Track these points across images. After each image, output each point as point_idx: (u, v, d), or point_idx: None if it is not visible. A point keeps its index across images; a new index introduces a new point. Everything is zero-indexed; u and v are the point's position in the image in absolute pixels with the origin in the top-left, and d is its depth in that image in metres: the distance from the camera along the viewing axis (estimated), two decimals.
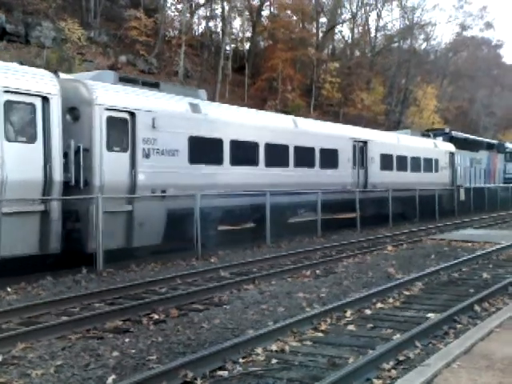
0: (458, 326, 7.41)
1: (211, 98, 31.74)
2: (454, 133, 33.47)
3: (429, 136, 29.97)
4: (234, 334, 7.14)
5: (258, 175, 16.63)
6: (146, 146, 13.08)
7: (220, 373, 5.74)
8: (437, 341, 6.76)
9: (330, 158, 19.97)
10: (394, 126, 48.08)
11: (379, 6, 54.66)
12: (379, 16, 55.89)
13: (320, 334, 7.17)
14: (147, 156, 13.08)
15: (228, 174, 15.47)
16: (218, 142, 15.29)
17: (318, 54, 47.65)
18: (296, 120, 19.68)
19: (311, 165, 19.04)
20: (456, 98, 64.20)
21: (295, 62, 45.22)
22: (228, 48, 44.08)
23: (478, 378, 4.83)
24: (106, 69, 30.77)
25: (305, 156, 18.71)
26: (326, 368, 5.90)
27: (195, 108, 14.83)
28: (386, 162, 23.40)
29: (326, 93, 45.87)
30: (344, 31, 61.90)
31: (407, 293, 9.64)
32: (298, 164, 18.26)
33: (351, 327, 7.49)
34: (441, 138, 30.49)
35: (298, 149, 18.30)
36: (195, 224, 13.73)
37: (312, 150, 19.13)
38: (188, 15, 42.62)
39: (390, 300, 9.08)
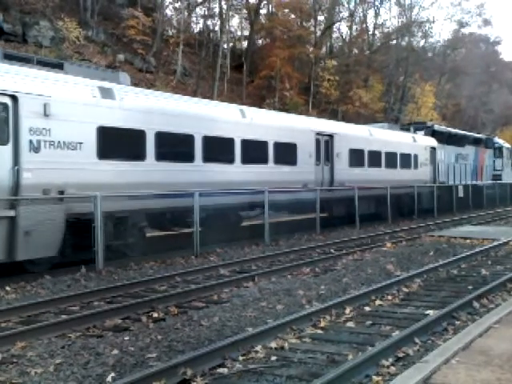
0: (457, 322, 7.43)
1: (209, 97, 31.80)
2: (436, 126, 31.69)
3: (408, 130, 28.46)
4: (233, 332, 7.15)
5: (193, 173, 14.50)
6: (36, 138, 10.94)
7: (219, 370, 5.75)
8: (436, 337, 6.78)
9: (287, 153, 17.93)
10: (393, 123, 48.06)
11: (377, 3, 54.71)
12: (377, 14, 55.98)
13: (319, 331, 7.18)
14: (36, 149, 10.94)
15: (152, 172, 13.37)
16: (139, 134, 13.19)
17: (316, 51, 47.65)
18: (244, 110, 17.17)
19: (263, 161, 17.04)
20: (454, 95, 64.24)
21: (293, 60, 45.22)
22: (226, 46, 44.07)
23: (476, 374, 4.84)
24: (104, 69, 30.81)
25: (255, 151, 16.70)
26: (325, 365, 5.92)
27: (106, 93, 12.60)
28: (357, 157, 21.52)
29: (324, 91, 45.87)
30: (342, 29, 61.95)
31: (406, 289, 9.66)
32: (246, 160, 16.22)
33: (350, 324, 7.51)
34: (422, 133, 28.73)
35: (246, 143, 16.25)
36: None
37: (264, 144, 17.04)
38: (186, 14, 42.58)
39: (389, 297, 9.10)
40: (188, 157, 14.51)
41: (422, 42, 60.48)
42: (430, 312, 7.89)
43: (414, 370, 5.01)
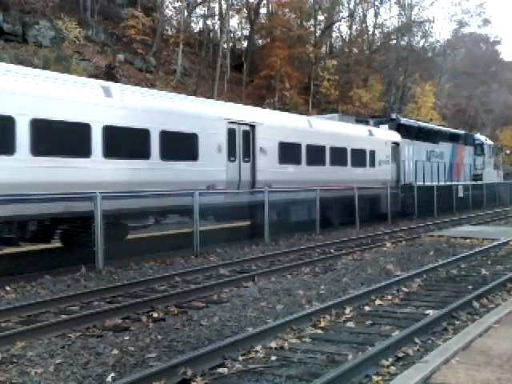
0: (457, 322, 7.43)
1: (209, 96, 31.79)
2: (402, 120, 28.10)
3: (366, 123, 24.96)
4: (233, 332, 7.15)
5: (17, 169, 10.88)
6: None
7: (219, 370, 5.75)
8: (436, 337, 6.78)
9: (181, 145, 14.27)
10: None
11: (377, 3, 54.73)
12: (377, 13, 55.99)
13: (319, 331, 7.18)
14: None
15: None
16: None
17: (315, 51, 47.66)
18: (110, 88, 13.07)
19: (143, 155, 13.28)
20: (454, 94, 64.26)
21: (293, 59, 45.22)
22: (226, 46, 44.07)
23: (476, 374, 4.84)
24: (104, 69, 30.85)
25: (131, 143, 13.07)
26: (325, 365, 5.91)
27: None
28: (290, 153, 17.87)
29: (324, 90, 45.88)
30: (342, 29, 61.97)
31: (406, 289, 9.66)
32: (112, 154, 12.45)
33: (350, 324, 7.51)
34: (386, 126, 25.31)
35: (111, 131, 12.42)
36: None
37: (145, 133, 13.24)
38: (186, 13, 42.58)
39: (389, 297, 9.10)
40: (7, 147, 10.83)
41: (421, 42, 60.55)
42: (430, 312, 7.89)
43: (414, 369, 5.01)
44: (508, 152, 62.61)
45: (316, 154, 19.17)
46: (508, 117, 69.97)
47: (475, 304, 8.32)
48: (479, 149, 35.52)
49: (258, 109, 19.77)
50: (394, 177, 24.15)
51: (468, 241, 16.47)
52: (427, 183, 27.00)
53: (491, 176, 35.89)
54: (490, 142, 37.61)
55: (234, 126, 16.04)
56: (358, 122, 24.44)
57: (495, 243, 15.36)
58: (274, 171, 17.20)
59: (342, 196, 20.09)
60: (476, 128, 64.72)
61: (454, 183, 29.95)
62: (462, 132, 36.58)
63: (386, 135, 24.07)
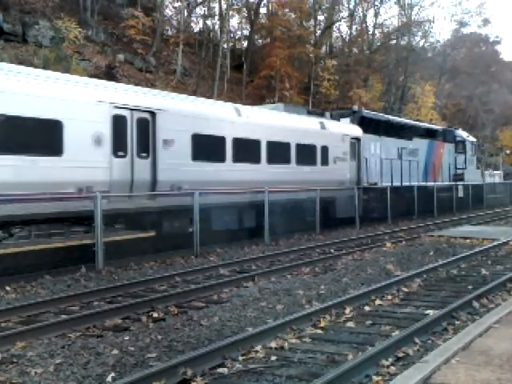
0: (457, 322, 7.43)
1: (209, 96, 31.79)
2: (366, 112, 24.89)
3: (321, 115, 21.65)
4: (233, 332, 7.15)
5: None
6: None
7: (219, 370, 5.75)
8: (436, 337, 6.78)
9: (38, 136, 11.34)
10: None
11: (377, 3, 54.72)
12: (377, 13, 55.97)
13: (319, 331, 7.18)
14: None
15: None
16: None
17: (315, 51, 47.66)
18: None
19: None
20: (454, 94, 64.26)
21: (293, 59, 45.21)
22: (226, 46, 44.08)
23: (476, 374, 4.84)
24: (104, 69, 30.87)
25: None
26: (325, 365, 5.91)
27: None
28: (209, 148, 14.96)
29: (324, 90, 45.88)
30: (342, 29, 61.97)
31: (406, 289, 9.66)
32: None
33: (350, 324, 7.51)
34: (347, 120, 22.57)
35: None
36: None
37: None
38: (186, 14, 42.58)
39: (389, 297, 9.10)
40: None
41: (421, 42, 60.56)
42: (430, 312, 7.89)
43: (414, 369, 5.01)
44: (508, 152, 62.73)
45: (247, 150, 16.13)
46: (508, 117, 69.95)
47: (475, 304, 8.32)
48: (461, 146, 32.41)
49: (165, 92, 15.93)
50: (353, 176, 21.26)
51: (468, 241, 16.47)
52: (396, 183, 24.25)
53: (474, 175, 33.32)
54: (472, 138, 34.74)
55: (124, 112, 12.97)
56: (311, 113, 21.11)
57: (495, 243, 15.36)
58: (184, 170, 14.16)
59: (288, 199, 17.32)
60: (476, 128, 64.76)
61: (430, 184, 27.11)
62: (440, 128, 33.38)
63: (343, 129, 21.11)
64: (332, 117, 22.41)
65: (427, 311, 8.00)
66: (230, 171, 15.56)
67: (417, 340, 6.53)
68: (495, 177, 53.00)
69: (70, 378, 5.64)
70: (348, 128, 21.68)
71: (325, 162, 19.57)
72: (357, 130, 21.85)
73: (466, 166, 32.14)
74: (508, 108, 68.50)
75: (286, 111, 19.31)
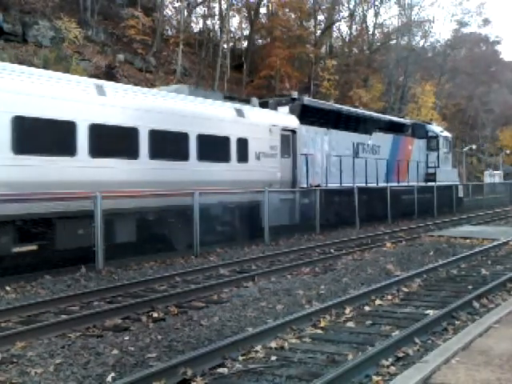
0: (457, 322, 7.43)
1: None
2: (308, 100, 21.18)
3: (247, 102, 18.08)
4: (233, 332, 7.15)
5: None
6: None
7: (219, 370, 5.75)
8: (436, 337, 6.78)
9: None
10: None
11: (377, 3, 54.72)
12: (377, 13, 55.96)
13: (319, 331, 7.18)
14: None
15: None
16: None
17: (315, 51, 47.66)
18: None
19: None
20: (454, 94, 64.21)
21: (293, 59, 45.21)
22: (226, 46, 44.08)
23: (476, 374, 4.84)
24: (104, 69, 30.86)
25: None
26: (325, 365, 5.91)
27: None
28: (49, 136, 11.34)
29: (324, 90, 45.86)
30: (342, 29, 62.02)
31: (406, 289, 9.66)
32: None
33: (350, 324, 7.51)
34: (286, 109, 19.29)
35: None
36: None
37: None
38: (186, 14, 42.59)
39: (389, 297, 9.10)
40: None
41: (421, 42, 60.56)
42: (430, 312, 7.89)
43: (414, 369, 5.01)
44: (508, 152, 62.74)
45: (116, 141, 12.65)
46: (508, 117, 69.98)
47: (475, 304, 8.32)
48: (435, 143, 28.99)
49: None
50: (286, 176, 17.79)
51: (468, 241, 16.47)
52: (346, 185, 20.98)
53: (448, 176, 29.67)
54: (446, 133, 31.18)
55: None
56: (231, 99, 17.41)
57: (495, 243, 15.36)
58: None
59: (178, 205, 13.85)
60: (476, 128, 64.77)
61: (391, 184, 23.97)
62: (408, 121, 29.75)
63: (271, 119, 17.69)
64: (269, 106, 19.32)
65: (427, 311, 8.00)
66: (84, 168, 11.92)
67: (417, 340, 6.53)
68: (495, 177, 53.05)
69: (69, 377, 5.64)
70: (279, 118, 18.24)
71: (243, 158, 16.03)
72: (291, 121, 18.41)
73: (439, 164, 28.89)
74: (508, 108, 68.51)
75: (193, 95, 15.59)
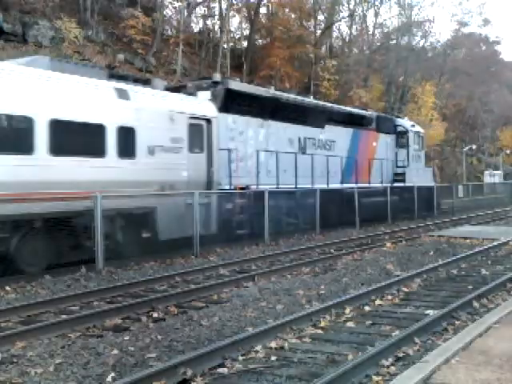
0: (457, 322, 7.43)
1: None
2: (236, 84, 17.18)
3: (145, 82, 14.82)
4: (233, 332, 7.14)
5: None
6: None
7: (219, 370, 5.75)
8: (436, 337, 6.78)
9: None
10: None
11: (377, 3, 54.72)
12: (377, 13, 55.96)
13: (319, 331, 7.18)
14: None
15: None
16: None
17: (315, 51, 47.66)
18: None
19: None
20: (454, 95, 64.21)
21: (293, 59, 45.21)
22: (226, 46, 44.08)
23: (476, 374, 4.84)
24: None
25: None
26: (325, 365, 5.91)
27: None
28: None
29: (324, 90, 45.85)
30: (342, 29, 61.98)
31: (406, 289, 9.66)
32: None
33: (350, 324, 7.51)
34: (208, 94, 15.79)
35: None
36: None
37: None
38: (186, 14, 42.60)
39: (389, 297, 9.10)
40: None
41: (421, 42, 60.53)
42: (430, 312, 7.89)
43: (414, 369, 5.01)
44: (508, 152, 62.72)
45: None
46: (508, 117, 69.95)
47: (475, 304, 8.32)
48: (406, 139, 25.71)
49: None
50: (198, 175, 14.52)
51: (468, 241, 16.48)
52: (285, 187, 17.69)
53: (420, 176, 26.29)
54: (418, 128, 27.60)
55: None
56: (120, 79, 13.97)
57: (495, 243, 15.37)
58: None
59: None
60: (476, 128, 64.73)
61: (347, 186, 21.00)
62: (371, 113, 25.35)
63: (173, 104, 14.21)
64: (187, 90, 16.13)
65: (427, 311, 8.00)
66: None
67: (417, 340, 6.52)
68: (495, 177, 53.04)
69: (69, 377, 5.64)
70: (187, 103, 14.83)
71: (127, 152, 12.79)
72: (206, 108, 15.16)
73: (409, 163, 25.70)
74: (508, 108, 68.47)
75: (57, 69, 12.07)
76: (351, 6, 52.96)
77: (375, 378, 5.44)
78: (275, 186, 17.38)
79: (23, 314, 8.16)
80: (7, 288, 9.81)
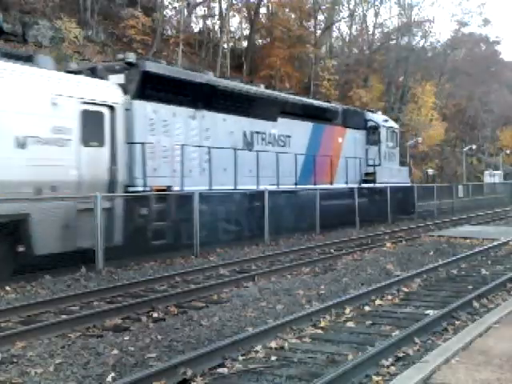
0: (457, 322, 7.43)
1: None
2: (156, 66, 14.30)
3: (26, 59, 11.68)
4: (233, 332, 7.14)
5: None
6: None
7: (219, 370, 5.75)
8: (436, 337, 6.78)
9: None
10: None
11: (377, 3, 54.72)
12: (377, 13, 55.96)
13: (319, 331, 7.18)
14: None
15: None
16: None
17: (315, 51, 47.67)
18: None
19: None
20: (454, 95, 64.22)
21: (293, 59, 45.21)
22: (226, 46, 44.09)
23: (476, 374, 4.84)
24: None
25: None
26: (325, 365, 5.91)
27: None
28: None
29: (324, 90, 45.85)
30: (342, 29, 61.98)
31: (406, 289, 9.66)
32: None
33: (350, 324, 7.50)
34: (121, 78, 13.47)
35: None
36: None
37: None
38: (186, 14, 42.60)
39: (389, 297, 9.10)
40: None
41: (421, 42, 60.52)
42: (430, 312, 7.89)
43: (414, 369, 5.01)
44: (508, 152, 62.70)
45: None
46: (508, 117, 69.95)
47: (475, 304, 8.32)
48: (374, 135, 23.11)
49: None
50: (94, 174, 12.06)
51: (468, 241, 16.48)
52: (221, 188, 15.38)
53: (394, 176, 23.91)
54: (392, 123, 25.11)
55: None
56: (11, 56, 11.57)
57: (495, 243, 15.37)
58: None
59: None
60: (476, 128, 64.72)
61: (303, 187, 18.62)
62: (337, 106, 22.61)
63: (57, 85, 11.46)
64: (97, 73, 13.64)
65: (427, 311, 8.00)
66: None
67: (417, 340, 6.52)
68: (495, 177, 53.04)
69: (69, 377, 5.64)
70: (79, 85, 12.07)
71: None
72: (108, 92, 12.67)
73: (381, 161, 23.08)
74: (508, 108, 68.48)
75: None
76: (351, 6, 53.00)
77: (375, 378, 5.44)
78: (207, 188, 14.93)
79: (23, 314, 8.15)
80: (7, 288, 9.80)
